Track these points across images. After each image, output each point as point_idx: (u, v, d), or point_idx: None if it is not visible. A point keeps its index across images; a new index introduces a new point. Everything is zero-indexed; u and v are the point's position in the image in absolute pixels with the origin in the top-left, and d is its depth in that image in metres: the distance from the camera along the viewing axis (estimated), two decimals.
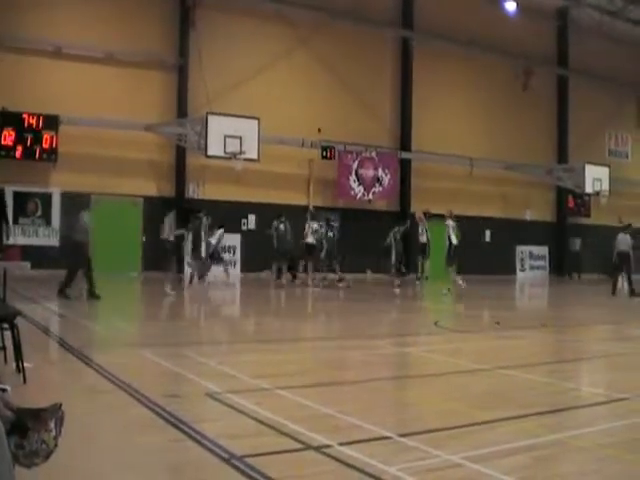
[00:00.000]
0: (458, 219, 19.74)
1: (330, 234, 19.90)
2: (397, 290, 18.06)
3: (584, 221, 30.47)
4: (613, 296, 18.79)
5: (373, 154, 25.18)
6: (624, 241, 19.26)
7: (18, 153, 19.24)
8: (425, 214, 20.42)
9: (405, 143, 26.20)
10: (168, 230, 16.08)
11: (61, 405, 2.54)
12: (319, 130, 24.01)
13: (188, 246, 17.90)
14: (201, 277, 18.22)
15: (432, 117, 26.54)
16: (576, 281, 28.37)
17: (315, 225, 19.73)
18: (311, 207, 22.13)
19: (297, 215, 20.79)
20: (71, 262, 13.38)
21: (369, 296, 16.74)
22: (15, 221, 19.01)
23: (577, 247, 29.78)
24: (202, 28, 22.12)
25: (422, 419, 5.02)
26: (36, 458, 2.46)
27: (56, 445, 2.51)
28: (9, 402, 2.48)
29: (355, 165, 24.79)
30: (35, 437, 2.43)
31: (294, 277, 20.73)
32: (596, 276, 27.58)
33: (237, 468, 3.70)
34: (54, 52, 20.08)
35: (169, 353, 7.57)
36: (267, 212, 21.32)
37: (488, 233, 28.31)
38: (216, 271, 19.26)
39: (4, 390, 2.56)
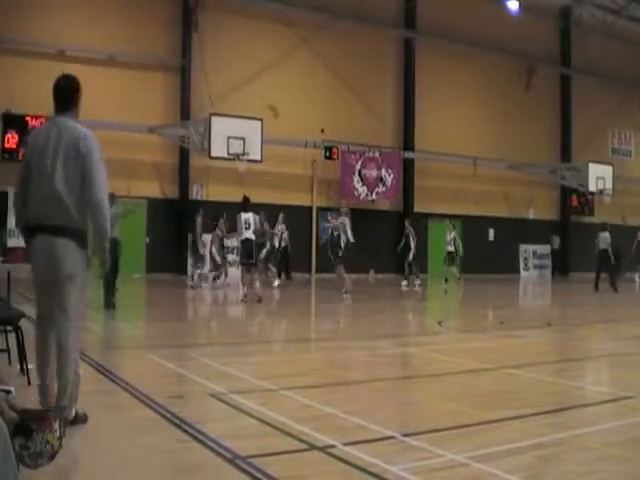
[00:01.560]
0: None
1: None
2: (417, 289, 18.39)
3: (588, 220, 30.40)
4: (615, 293, 18.91)
5: (376, 154, 25.16)
6: (604, 240, 19.40)
7: (21, 155, 19.26)
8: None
9: (408, 143, 26.17)
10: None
11: (65, 406, 2.54)
12: (322, 130, 24.00)
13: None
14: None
15: (435, 117, 26.51)
16: (567, 280, 28.11)
17: (281, 226, 19.93)
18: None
19: (300, 215, 20.76)
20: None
21: (371, 296, 16.72)
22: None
23: (556, 245, 29.62)
24: (204, 30, 22.14)
25: (426, 419, 5.01)
26: (41, 459, 2.46)
27: (61, 446, 2.51)
28: (13, 404, 2.48)
29: (358, 165, 24.77)
30: (40, 438, 2.44)
31: (288, 276, 21.30)
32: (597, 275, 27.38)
33: (241, 468, 3.70)
34: (57, 54, 20.07)
35: (173, 354, 7.58)
36: (271, 213, 21.26)
37: (491, 232, 28.26)
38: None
39: (8, 392, 2.56)
